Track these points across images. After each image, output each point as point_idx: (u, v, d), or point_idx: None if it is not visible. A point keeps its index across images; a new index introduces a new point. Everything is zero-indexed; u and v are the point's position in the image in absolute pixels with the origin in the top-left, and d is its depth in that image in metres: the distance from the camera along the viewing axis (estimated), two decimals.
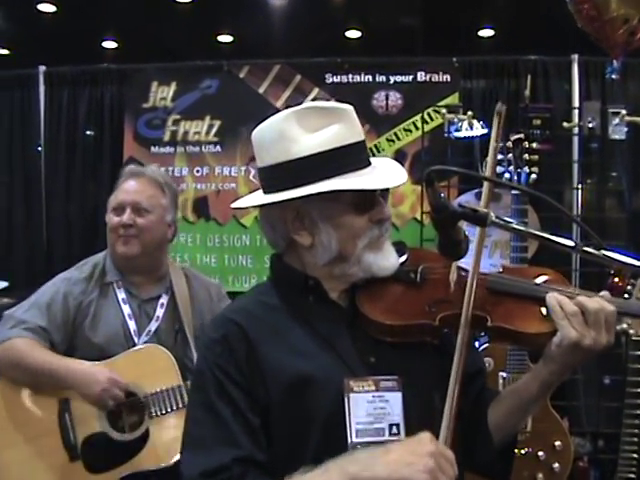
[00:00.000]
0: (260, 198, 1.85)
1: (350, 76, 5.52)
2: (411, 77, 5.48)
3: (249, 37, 6.62)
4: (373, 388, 1.71)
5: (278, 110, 5.13)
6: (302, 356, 1.73)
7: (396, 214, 5.13)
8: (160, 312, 3.02)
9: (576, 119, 5.01)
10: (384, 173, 1.82)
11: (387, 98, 5.47)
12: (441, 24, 6.41)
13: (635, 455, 3.33)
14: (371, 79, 5.52)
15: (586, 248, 1.64)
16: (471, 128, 4.71)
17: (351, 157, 1.77)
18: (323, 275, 1.81)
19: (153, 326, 2.99)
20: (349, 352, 1.75)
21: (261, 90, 5.57)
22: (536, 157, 3.68)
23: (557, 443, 3.62)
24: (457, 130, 4.78)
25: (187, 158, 5.63)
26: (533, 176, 3.66)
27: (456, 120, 4.80)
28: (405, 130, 5.42)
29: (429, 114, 5.26)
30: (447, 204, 1.63)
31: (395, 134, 5.43)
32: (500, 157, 3.68)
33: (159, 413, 2.87)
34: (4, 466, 2.89)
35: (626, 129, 4.60)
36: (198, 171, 5.61)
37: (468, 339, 1.71)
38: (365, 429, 1.68)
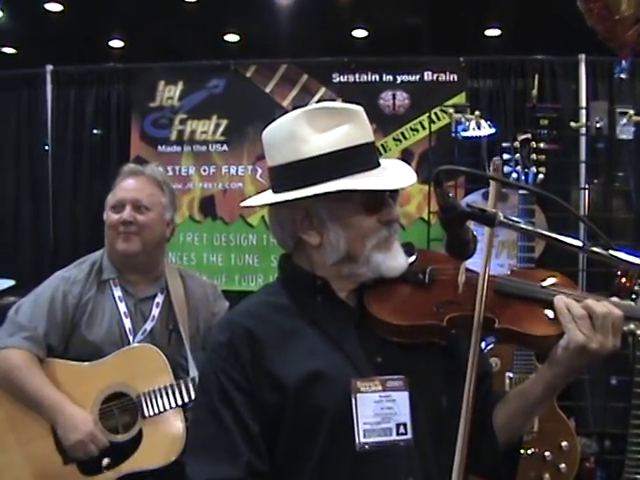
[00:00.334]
0: (269, 197, 1.85)
1: (357, 75, 5.50)
2: (418, 77, 5.46)
3: (256, 36, 6.62)
4: (380, 388, 1.71)
5: (285, 109, 5.17)
6: (310, 356, 1.73)
7: (402, 214, 5.07)
8: (156, 312, 3.01)
9: (583, 119, 4.99)
10: (394, 174, 1.82)
11: (394, 98, 5.46)
12: (448, 24, 6.41)
13: None
14: (378, 79, 5.51)
15: (594, 248, 1.63)
16: (478, 128, 4.69)
17: (361, 158, 1.77)
18: (331, 275, 1.81)
19: (149, 325, 2.98)
20: (356, 352, 1.75)
21: (268, 89, 5.57)
22: (543, 157, 3.67)
23: (564, 443, 3.61)
24: (464, 130, 4.77)
25: (194, 157, 5.63)
26: (540, 176, 3.65)
27: (463, 120, 4.79)
28: (412, 130, 5.41)
29: (436, 114, 5.25)
30: (455, 204, 1.63)
31: (402, 134, 5.41)
32: (507, 157, 3.67)
33: (152, 413, 2.85)
34: None
35: (634, 129, 4.59)
36: (205, 170, 5.61)
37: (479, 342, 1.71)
38: (373, 429, 1.69)
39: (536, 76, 4.46)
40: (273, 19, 6.45)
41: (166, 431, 2.85)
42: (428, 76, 5.46)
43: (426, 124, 5.26)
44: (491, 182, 1.77)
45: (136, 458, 2.82)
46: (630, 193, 5.10)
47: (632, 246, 1.71)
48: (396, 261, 1.80)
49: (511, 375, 3.57)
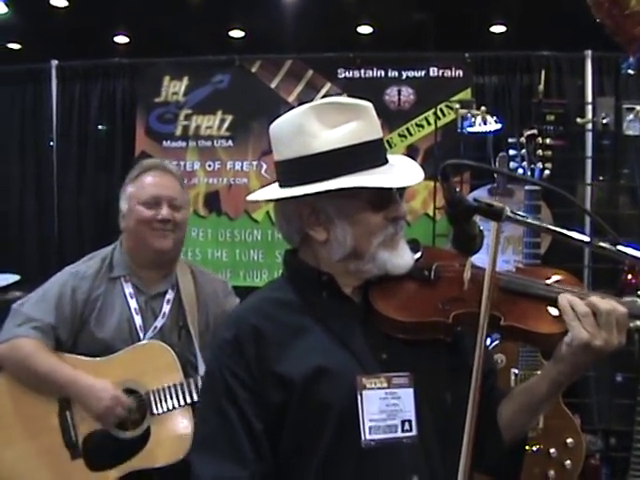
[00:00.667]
0: (276, 192, 1.84)
1: (362, 71, 5.49)
2: (423, 72, 5.45)
3: (261, 32, 6.62)
4: (385, 385, 1.71)
5: (290, 105, 5.16)
6: (316, 352, 1.72)
7: (407, 210, 5.01)
8: (166, 308, 3.00)
9: (589, 115, 4.98)
10: (401, 171, 1.81)
11: (399, 93, 5.45)
12: (453, 19, 6.40)
13: None
14: (383, 74, 5.50)
15: (601, 243, 1.63)
16: (485, 123, 4.68)
17: (369, 154, 1.76)
18: (337, 271, 1.80)
19: (159, 322, 2.97)
20: (362, 348, 1.75)
21: (273, 85, 5.56)
22: (549, 153, 3.65)
23: (569, 440, 3.60)
24: (470, 125, 4.75)
25: (199, 153, 5.63)
26: (546, 172, 3.63)
27: (469, 115, 4.78)
28: (417, 125, 5.40)
29: (441, 109, 5.24)
30: (462, 198, 1.62)
31: (407, 129, 5.40)
32: (513, 153, 3.66)
33: (161, 411, 2.85)
34: (5, 464, 2.88)
35: None
36: (210, 166, 5.61)
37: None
38: (378, 426, 1.69)
39: (542, 71, 4.45)
40: (278, 14, 6.45)
41: (174, 429, 2.84)
42: (433, 72, 5.45)
43: (431, 120, 5.25)
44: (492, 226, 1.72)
45: (143, 455, 2.82)
46: (636, 189, 5.08)
47: (638, 242, 1.69)
48: (402, 259, 1.79)
49: (516, 371, 3.56)
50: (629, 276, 3.61)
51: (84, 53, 5.89)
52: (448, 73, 5.42)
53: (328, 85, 5.51)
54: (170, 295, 3.02)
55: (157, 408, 2.84)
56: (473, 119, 4.73)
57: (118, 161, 5.76)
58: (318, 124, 1.75)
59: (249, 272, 5.53)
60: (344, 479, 1.68)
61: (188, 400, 2.84)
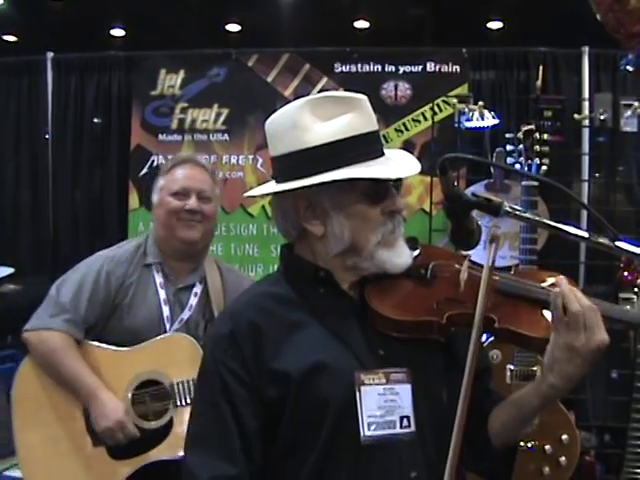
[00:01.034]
0: (272, 187, 1.83)
1: (359, 66, 5.50)
2: (420, 67, 5.46)
3: (258, 26, 6.62)
4: (384, 381, 1.70)
5: (286, 99, 5.15)
6: (313, 347, 1.71)
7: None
8: (194, 301, 3.03)
9: (586, 111, 4.98)
10: (398, 163, 1.80)
11: (396, 88, 5.45)
12: (450, 15, 6.39)
13: None
14: (380, 69, 5.50)
15: (600, 239, 1.62)
16: (482, 118, 4.68)
17: (365, 147, 1.75)
18: (334, 266, 1.79)
19: (186, 315, 3.00)
20: (359, 344, 1.74)
21: (269, 79, 5.56)
22: (547, 149, 3.65)
23: (564, 437, 3.59)
24: (468, 120, 4.75)
25: (194, 146, 5.60)
26: (544, 168, 3.63)
27: (467, 110, 4.78)
28: (414, 120, 5.40)
29: (438, 105, 5.23)
30: (461, 193, 1.62)
31: (404, 124, 5.41)
32: (511, 148, 3.66)
33: (183, 403, 2.86)
34: (29, 446, 2.92)
35: (637, 121, 4.57)
36: (205, 159, 5.57)
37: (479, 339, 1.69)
38: (377, 422, 1.68)
39: (540, 67, 4.44)
40: (275, 8, 6.45)
41: None
42: (430, 67, 5.45)
43: (428, 115, 5.26)
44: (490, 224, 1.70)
45: (164, 446, 2.84)
46: (632, 186, 5.08)
47: (634, 239, 1.68)
48: (400, 258, 1.78)
49: (512, 367, 3.56)
50: (625, 272, 3.60)
51: (80, 45, 5.88)
52: (445, 68, 5.42)
53: (325, 79, 5.50)
54: (198, 288, 3.05)
55: (180, 400, 2.87)
56: (471, 114, 4.73)
57: (113, 154, 5.76)
58: (312, 118, 1.74)
59: (244, 266, 5.51)
60: (342, 475, 1.67)
61: None
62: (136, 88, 5.74)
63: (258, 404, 1.70)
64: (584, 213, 4.83)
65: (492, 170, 4.77)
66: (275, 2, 6.41)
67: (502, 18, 6.63)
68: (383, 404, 1.69)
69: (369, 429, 1.67)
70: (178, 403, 2.87)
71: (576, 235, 1.63)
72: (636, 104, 4.52)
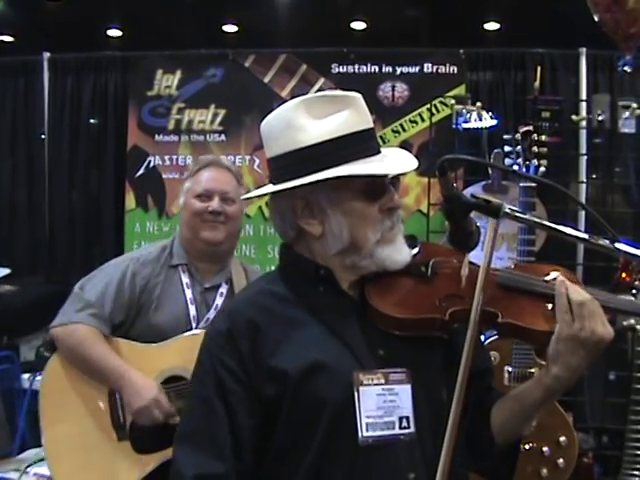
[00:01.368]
0: (269, 188, 1.83)
1: (356, 66, 5.49)
2: (417, 68, 5.45)
3: (255, 26, 6.59)
4: (382, 381, 1.70)
5: (283, 100, 5.13)
6: (312, 346, 1.71)
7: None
8: (219, 301, 3.07)
9: (584, 112, 4.98)
10: (394, 160, 1.79)
11: (393, 89, 5.44)
12: (447, 16, 6.38)
13: None
14: (377, 70, 5.49)
15: (599, 241, 1.61)
16: (480, 119, 4.67)
17: (360, 144, 1.75)
18: (333, 266, 1.78)
19: (212, 314, 3.02)
20: (358, 344, 1.73)
21: (266, 79, 5.54)
22: (545, 150, 3.64)
23: (562, 438, 3.59)
24: (466, 121, 4.74)
25: (191, 147, 5.60)
26: (542, 169, 3.63)
27: (464, 111, 4.77)
28: (411, 121, 5.39)
29: (436, 106, 5.23)
30: (459, 194, 1.62)
31: (401, 125, 5.40)
32: (509, 149, 3.65)
33: None
34: (54, 440, 2.97)
35: (635, 122, 4.57)
36: None
37: (477, 336, 1.68)
38: (375, 423, 1.67)
39: (538, 68, 4.44)
40: (272, 9, 6.42)
41: None
42: (428, 68, 5.45)
43: (425, 116, 5.25)
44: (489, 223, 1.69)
45: None
46: (629, 188, 5.08)
47: (632, 240, 1.67)
48: (400, 254, 1.78)
49: (510, 369, 3.55)
50: (623, 274, 3.60)
51: (77, 46, 5.86)
52: (442, 69, 5.41)
53: (322, 80, 5.49)
54: (224, 289, 3.10)
55: None
56: (468, 115, 4.72)
57: (110, 155, 5.75)
58: (307, 117, 1.74)
59: None
60: (338, 476, 1.66)
61: None
62: (133, 88, 5.72)
63: (254, 402, 1.69)
64: (582, 214, 4.83)
65: (490, 171, 4.77)
66: (272, 3, 6.39)
67: (499, 19, 6.61)
68: (382, 404, 1.68)
69: (367, 430, 1.66)
70: None
71: (576, 237, 1.62)
72: (634, 105, 4.52)
